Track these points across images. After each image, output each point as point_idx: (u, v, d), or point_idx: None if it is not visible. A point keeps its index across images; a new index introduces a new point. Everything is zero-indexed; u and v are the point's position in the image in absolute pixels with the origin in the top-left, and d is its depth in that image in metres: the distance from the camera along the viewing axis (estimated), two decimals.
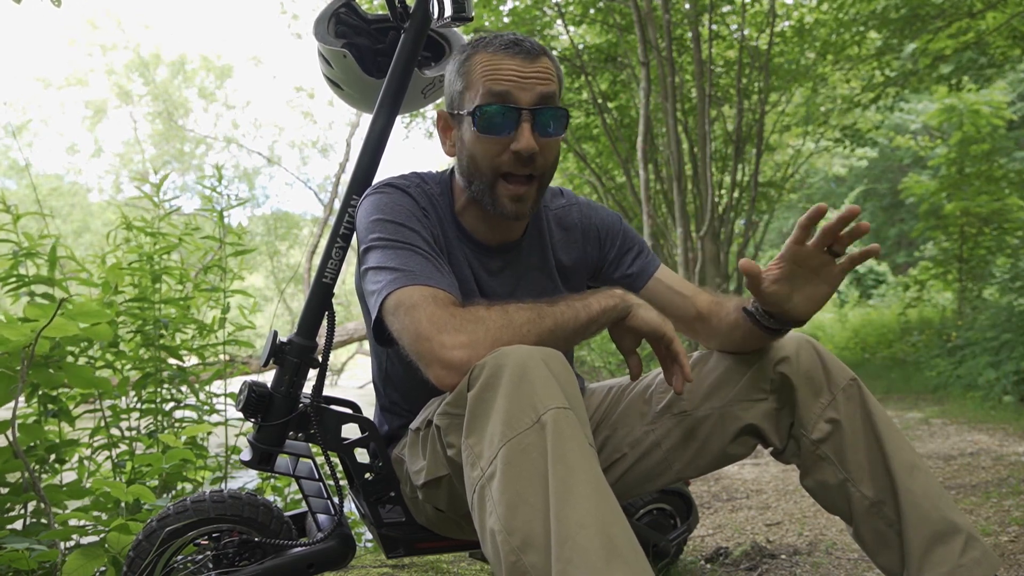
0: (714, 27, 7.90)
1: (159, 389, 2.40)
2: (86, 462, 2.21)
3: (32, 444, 1.90)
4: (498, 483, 0.87)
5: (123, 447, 2.28)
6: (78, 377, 1.85)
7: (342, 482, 1.35)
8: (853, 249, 1.06)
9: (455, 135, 1.24)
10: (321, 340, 1.27)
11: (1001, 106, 8.00)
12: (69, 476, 2.09)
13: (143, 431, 2.39)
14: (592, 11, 8.29)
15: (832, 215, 1.04)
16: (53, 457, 2.00)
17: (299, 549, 1.26)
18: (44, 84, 21.97)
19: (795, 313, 1.12)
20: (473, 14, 1.33)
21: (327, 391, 1.29)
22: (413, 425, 1.21)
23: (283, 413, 1.23)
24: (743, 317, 1.18)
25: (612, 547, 0.80)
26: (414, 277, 1.08)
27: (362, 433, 1.28)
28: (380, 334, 1.12)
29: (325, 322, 1.30)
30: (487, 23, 7.80)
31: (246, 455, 1.26)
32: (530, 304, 1.06)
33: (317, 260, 1.50)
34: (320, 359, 1.27)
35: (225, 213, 2.60)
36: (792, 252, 1.07)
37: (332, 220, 1.35)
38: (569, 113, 1.20)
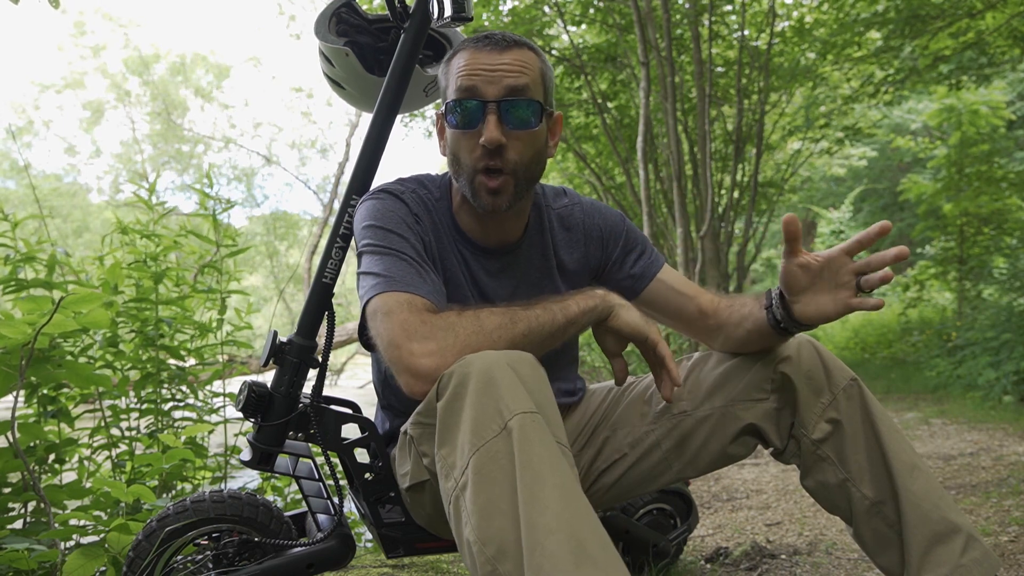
0: (714, 27, 7.89)
1: (159, 389, 2.40)
2: (86, 462, 2.21)
3: (32, 444, 1.90)
4: (470, 493, 0.87)
5: (123, 447, 2.28)
6: (77, 374, 1.85)
7: (342, 482, 1.34)
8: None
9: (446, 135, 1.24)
10: (321, 340, 1.27)
11: (1000, 106, 7.98)
12: (69, 476, 2.09)
13: (143, 431, 2.40)
14: (592, 11, 8.27)
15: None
16: (53, 457, 2.00)
17: (299, 549, 1.26)
18: (41, 88, 21.97)
19: (798, 311, 1.12)
20: (473, 14, 1.33)
21: (327, 391, 1.29)
22: (403, 428, 1.21)
23: (283, 413, 1.23)
24: (761, 303, 1.17)
25: (582, 550, 0.80)
26: (394, 283, 1.08)
27: (362, 433, 1.28)
28: (365, 338, 1.13)
29: (325, 322, 1.30)
30: (487, 23, 7.78)
31: (246, 455, 1.26)
32: (503, 308, 1.06)
33: (317, 260, 1.50)
34: (320, 359, 1.27)
35: (223, 215, 2.60)
36: (833, 257, 1.07)
37: (332, 220, 1.35)
38: (542, 104, 1.18)
